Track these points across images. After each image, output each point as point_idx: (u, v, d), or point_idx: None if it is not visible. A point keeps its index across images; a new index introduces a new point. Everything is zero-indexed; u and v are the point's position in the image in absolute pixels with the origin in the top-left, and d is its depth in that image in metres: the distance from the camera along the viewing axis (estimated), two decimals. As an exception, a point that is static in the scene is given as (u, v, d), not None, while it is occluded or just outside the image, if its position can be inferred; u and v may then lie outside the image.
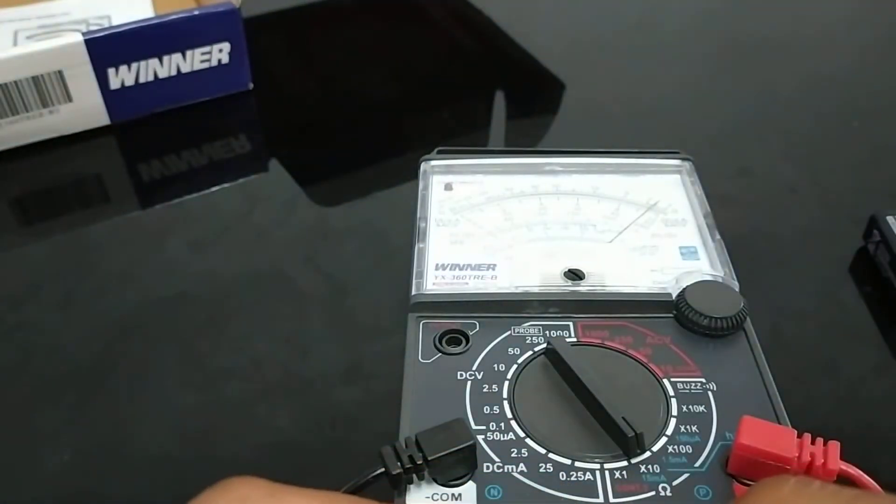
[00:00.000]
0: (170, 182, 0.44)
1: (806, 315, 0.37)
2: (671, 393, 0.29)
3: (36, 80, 0.43)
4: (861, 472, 0.26)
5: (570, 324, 0.32)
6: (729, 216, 0.38)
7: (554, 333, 0.31)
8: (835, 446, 0.26)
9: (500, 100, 0.51)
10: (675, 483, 0.27)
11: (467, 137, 0.48)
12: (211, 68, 0.47)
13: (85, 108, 0.45)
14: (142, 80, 0.46)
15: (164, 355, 0.35)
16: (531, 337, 0.31)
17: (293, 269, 0.39)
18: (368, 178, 0.45)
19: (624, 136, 0.47)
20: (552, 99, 0.51)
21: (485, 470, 0.27)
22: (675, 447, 0.27)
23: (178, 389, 0.34)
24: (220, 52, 0.47)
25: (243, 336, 0.36)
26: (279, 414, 0.33)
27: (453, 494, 0.26)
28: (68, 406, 0.33)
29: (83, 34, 0.44)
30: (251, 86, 0.49)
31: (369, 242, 0.40)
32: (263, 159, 0.47)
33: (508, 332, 0.31)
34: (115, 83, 0.45)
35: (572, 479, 0.27)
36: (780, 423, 0.28)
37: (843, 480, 0.26)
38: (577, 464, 0.27)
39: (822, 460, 0.26)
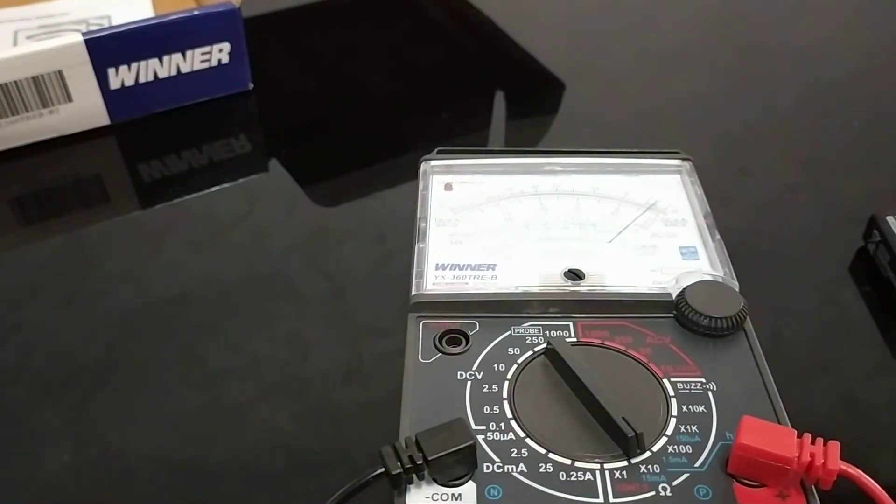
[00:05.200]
0: (170, 182, 0.44)
1: (806, 315, 0.37)
2: (671, 393, 0.29)
3: (36, 80, 0.43)
4: (861, 472, 0.26)
5: (570, 324, 0.32)
6: (729, 216, 0.38)
7: (554, 333, 0.31)
8: (835, 446, 0.26)
9: (500, 100, 0.51)
10: (675, 483, 0.27)
11: (467, 137, 0.48)
12: (211, 68, 0.47)
13: (85, 108, 0.45)
14: (142, 80, 0.46)
15: (164, 355, 0.35)
16: (531, 337, 0.31)
17: (293, 270, 0.39)
18: (368, 178, 0.45)
19: (624, 137, 0.47)
20: (552, 99, 0.51)
21: (485, 470, 0.27)
22: (675, 447, 0.28)
23: (178, 389, 0.34)
24: (220, 52, 0.47)
25: (243, 336, 0.36)
26: (279, 414, 0.33)
27: (453, 494, 0.26)
28: (68, 406, 0.33)
29: (83, 34, 0.43)
30: (251, 86, 0.49)
31: (369, 242, 0.40)
32: (263, 159, 0.47)
33: (508, 332, 0.31)
34: (115, 83, 0.45)
35: (572, 479, 0.27)
36: (780, 423, 0.28)
37: (843, 480, 0.26)
38: (577, 464, 0.27)
39: (822, 460, 0.26)
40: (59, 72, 0.44)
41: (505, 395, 0.29)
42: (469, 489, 0.26)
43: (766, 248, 0.40)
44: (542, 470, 0.27)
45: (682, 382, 0.30)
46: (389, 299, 0.36)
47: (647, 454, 0.27)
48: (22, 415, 0.33)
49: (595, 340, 0.31)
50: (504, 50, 0.55)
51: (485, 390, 0.29)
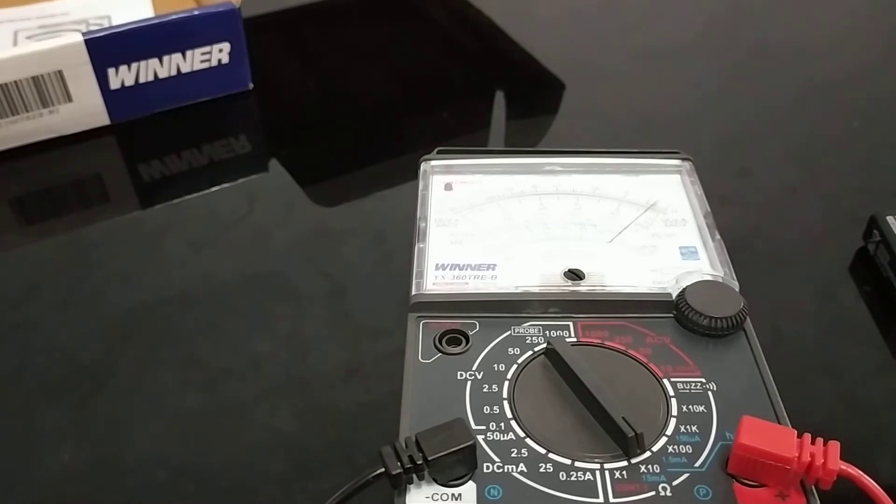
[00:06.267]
0: (170, 182, 0.44)
1: (806, 315, 0.37)
2: (671, 393, 0.29)
3: (36, 80, 0.43)
4: (861, 473, 0.26)
5: (570, 324, 0.32)
6: (729, 216, 0.38)
7: (554, 333, 0.31)
8: (835, 446, 0.26)
9: (500, 100, 0.51)
10: (675, 483, 0.27)
11: (467, 137, 0.48)
12: (211, 68, 0.47)
13: (85, 108, 0.45)
14: (142, 80, 0.46)
15: (164, 355, 0.35)
16: (531, 337, 0.31)
17: (293, 269, 0.39)
18: (368, 178, 0.45)
19: (624, 136, 0.47)
20: (552, 99, 0.51)
21: (485, 470, 0.27)
22: (675, 447, 0.28)
23: (178, 390, 0.34)
24: (220, 52, 0.47)
25: (243, 336, 0.36)
26: (279, 414, 0.33)
27: (453, 494, 0.26)
28: (68, 406, 0.33)
29: (83, 34, 0.44)
30: (251, 86, 0.49)
31: (369, 242, 0.40)
32: (263, 159, 0.47)
33: (508, 332, 0.31)
34: (115, 83, 0.45)
35: (572, 479, 0.27)
36: (780, 423, 0.28)
37: (843, 480, 0.26)
38: (577, 464, 0.27)
39: (822, 460, 0.26)
40: (59, 72, 0.44)
41: (505, 395, 0.29)
42: (469, 489, 0.26)
43: (766, 248, 0.40)
44: (542, 470, 0.27)
45: (682, 382, 0.30)
46: (389, 299, 0.36)
47: (647, 454, 0.27)
48: (22, 415, 0.33)
49: (595, 340, 0.31)
50: (504, 50, 0.55)
51: (485, 390, 0.29)
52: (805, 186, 0.44)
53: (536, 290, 0.33)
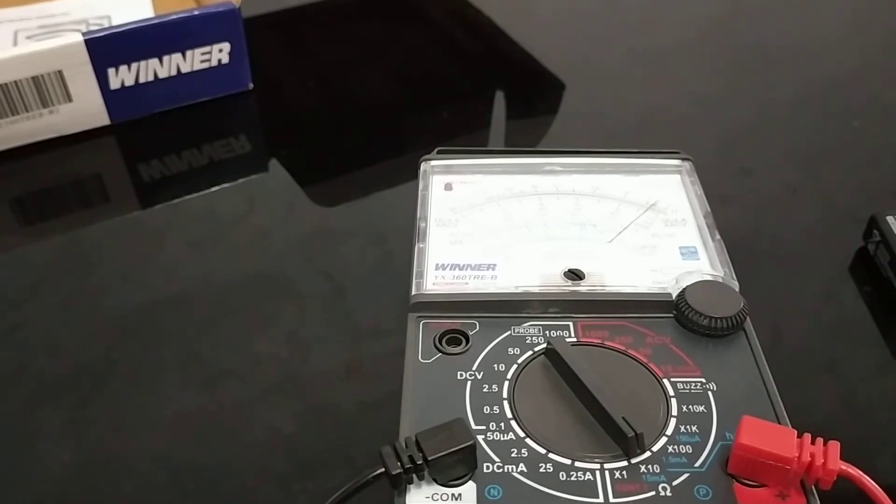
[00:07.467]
0: (170, 182, 0.44)
1: (806, 315, 0.37)
2: (671, 393, 0.29)
3: (36, 80, 0.43)
4: (861, 473, 0.26)
5: (570, 324, 0.32)
6: (729, 216, 0.38)
7: (554, 333, 0.31)
8: (835, 446, 0.26)
9: (500, 100, 0.51)
10: (675, 483, 0.27)
11: (467, 137, 0.48)
12: (211, 68, 0.47)
13: (85, 108, 0.45)
14: (142, 80, 0.46)
15: (163, 355, 0.35)
16: (531, 337, 0.31)
17: (293, 269, 0.39)
18: (368, 178, 0.45)
19: (624, 137, 0.47)
20: (552, 99, 0.51)
21: (485, 470, 0.27)
22: (675, 447, 0.28)
23: (178, 390, 0.34)
24: (220, 52, 0.47)
25: (243, 336, 0.36)
26: (279, 414, 0.33)
27: (453, 494, 0.26)
28: (68, 406, 0.33)
29: (83, 34, 0.44)
30: (251, 86, 0.49)
31: (369, 242, 0.40)
32: (263, 159, 0.47)
33: (508, 332, 0.31)
34: (115, 83, 0.45)
35: (572, 479, 0.27)
36: (780, 423, 0.28)
37: (843, 480, 0.26)
38: (577, 464, 0.27)
39: (822, 460, 0.26)
40: (59, 72, 0.44)
41: (505, 395, 0.29)
42: (469, 489, 0.26)
43: (766, 248, 0.40)
44: (542, 470, 0.27)
45: (682, 382, 0.30)
46: (389, 299, 0.36)
47: (647, 454, 0.27)
48: (22, 415, 0.33)
49: (595, 340, 0.31)
50: (504, 50, 0.55)
51: (485, 390, 0.29)
52: (805, 186, 0.44)
53: (536, 290, 0.33)
